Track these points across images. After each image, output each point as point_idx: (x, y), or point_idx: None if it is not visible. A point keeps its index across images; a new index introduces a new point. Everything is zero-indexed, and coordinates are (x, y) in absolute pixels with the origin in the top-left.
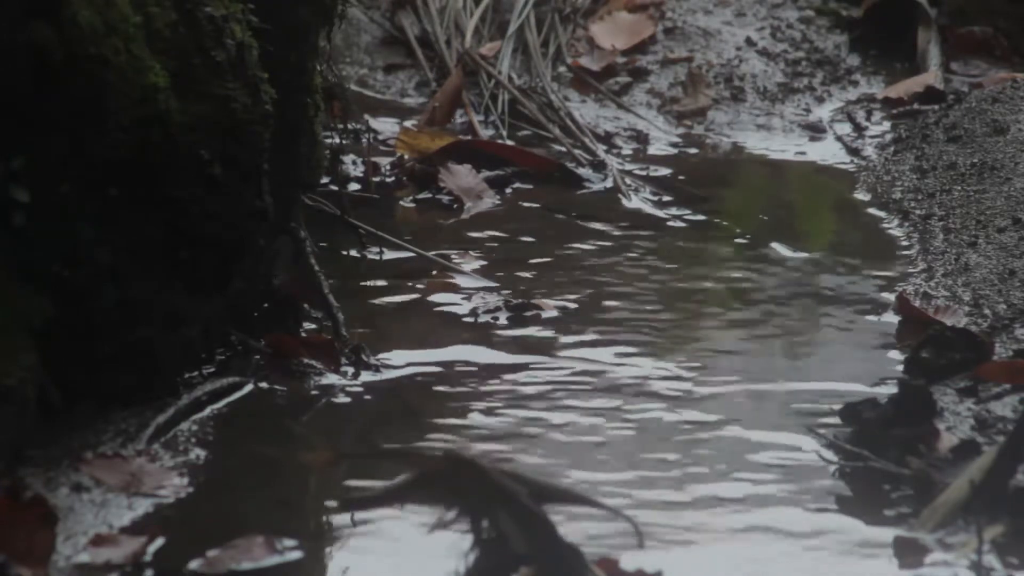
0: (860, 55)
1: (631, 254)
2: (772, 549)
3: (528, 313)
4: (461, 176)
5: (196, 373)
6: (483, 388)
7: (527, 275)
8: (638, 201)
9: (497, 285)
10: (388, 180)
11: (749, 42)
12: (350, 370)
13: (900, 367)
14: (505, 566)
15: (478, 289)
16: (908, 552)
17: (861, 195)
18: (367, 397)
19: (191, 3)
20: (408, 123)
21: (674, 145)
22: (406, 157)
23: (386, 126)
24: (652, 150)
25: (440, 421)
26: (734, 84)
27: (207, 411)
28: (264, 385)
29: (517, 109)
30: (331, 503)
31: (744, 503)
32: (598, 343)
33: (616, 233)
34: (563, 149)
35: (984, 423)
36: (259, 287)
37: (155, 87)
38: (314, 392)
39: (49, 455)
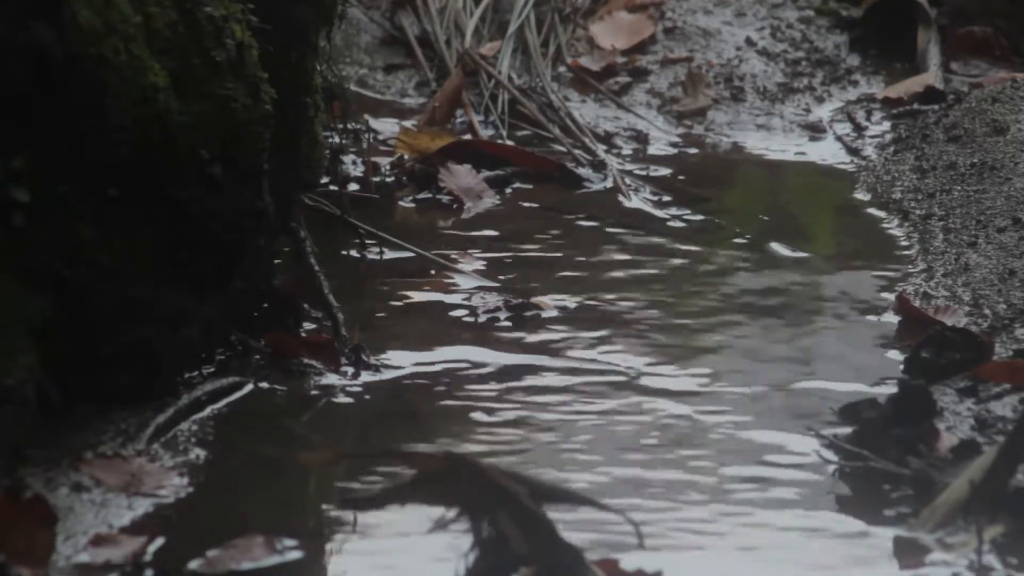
0: (860, 55)
1: (631, 254)
2: (772, 549)
3: (528, 313)
4: (461, 176)
5: (196, 373)
6: (483, 388)
7: (527, 275)
8: (638, 201)
9: (497, 285)
10: (388, 180)
11: (749, 42)
12: (350, 370)
13: (900, 367)
14: (505, 566)
15: (478, 289)
16: (908, 552)
17: (861, 195)
18: (367, 397)
19: (191, 3)
20: (408, 123)
21: (674, 145)
22: (406, 157)
23: (386, 126)
24: (652, 150)
25: (440, 421)
26: (734, 84)
27: (207, 411)
28: (264, 385)
29: (517, 109)
30: (331, 503)
31: (744, 503)
32: (598, 343)
33: (616, 233)
34: (563, 149)
35: (984, 423)
36: (259, 287)
37: (155, 87)
38: (314, 392)
39: (49, 455)
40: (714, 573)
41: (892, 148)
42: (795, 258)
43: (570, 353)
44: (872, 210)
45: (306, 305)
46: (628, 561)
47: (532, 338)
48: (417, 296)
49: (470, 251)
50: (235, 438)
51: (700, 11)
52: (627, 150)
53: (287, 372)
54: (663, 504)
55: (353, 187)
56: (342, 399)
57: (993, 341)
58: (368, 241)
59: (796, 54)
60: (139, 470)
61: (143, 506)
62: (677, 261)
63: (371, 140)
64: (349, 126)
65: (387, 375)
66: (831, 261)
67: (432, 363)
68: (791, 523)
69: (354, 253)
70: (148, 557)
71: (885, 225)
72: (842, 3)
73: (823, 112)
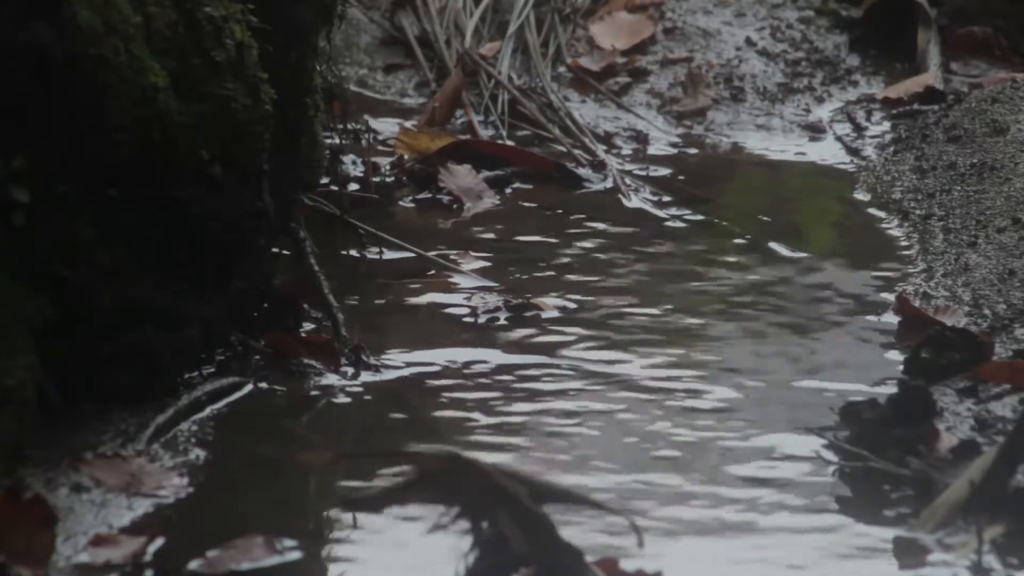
0: (860, 55)
1: (631, 254)
2: (772, 549)
3: (528, 313)
4: (461, 176)
5: (196, 373)
6: (483, 388)
7: (527, 275)
8: (638, 201)
9: (497, 285)
10: (388, 180)
11: (749, 42)
12: (350, 370)
13: (900, 367)
14: (505, 566)
15: (478, 289)
16: (908, 552)
17: (861, 195)
18: (367, 397)
19: (191, 3)
20: (408, 123)
21: (674, 145)
22: (406, 157)
23: (386, 126)
24: (652, 150)
25: (440, 421)
26: (734, 84)
27: (207, 411)
28: (264, 385)
29: (517, 109)
30: (331, 503)
31: (743, 503)
32: (598, 343)
33: (616, 233)
34: (563, 149)
35: (984, 423)
36: (259, 287)
37: (155, 87)
38: (314, 392)
39: (49, 455)
40: (713, 573)
41: (892, 148)
42: (795, 258)
43: (569, 353)
44: (872, 210)
45: (306, 305)
46: (628, 561)
47: (532, 338)
48: (417, 296)
49: (470, 251)
50: (235, 438)
51: (700, 11)
52: (627, 150)
53: (287, 372)
54: (663, 504)
55: (353, 187)
56: (342, 399)
57: (993, 341)
58: (368, 241)
59: (796, 54)
60: (139, 470)
61: (143, 506)
62: (677, 261)
63: (371, 140)
64: (349, 126)
65: (387, 375)
66: (831, 261)
67: (432, 363)
68: (790, 523)
69: (354, 253)
70: (148, 557)
71: (885, 225)
72: (842, 3)
73: (823, 112)
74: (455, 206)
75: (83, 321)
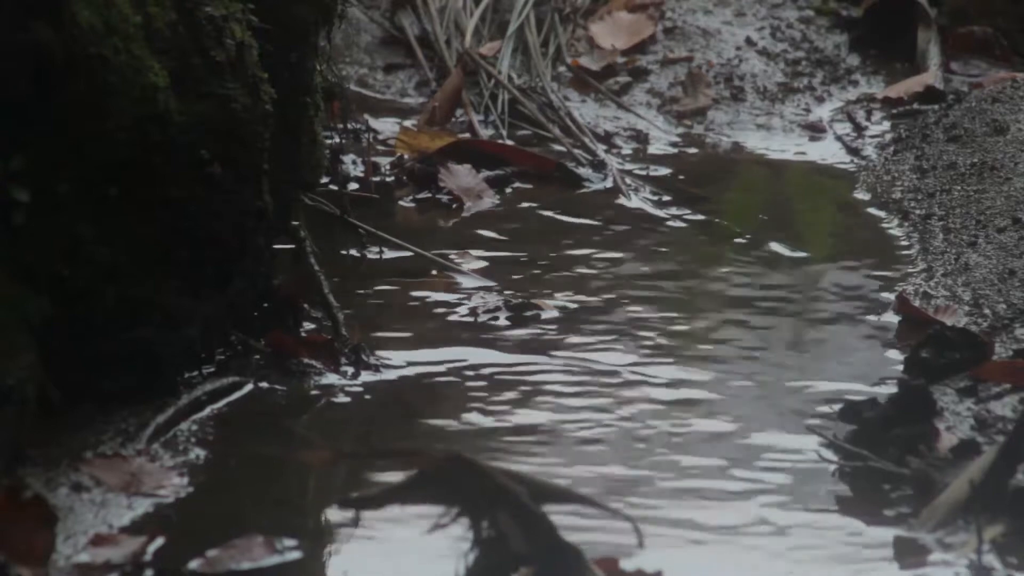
0: (860, 55)
1: (631, 254)
2: (772, 549)
3: (528, 313)
4: (461, 176)
5: (196, 373)
6: (482, 388)
7: (527, 275)
8: (638, 201)
9: (497, 285)
10: (388, 180)
11: (749, 42)
12: (350, 370)
13: (900, 367)
14: (505, 566)
15: (478, 289)
16: (908, 552)
17: (861, 195)
18: (367, 397)
19: (191, 3)
20: (408, 123)
21: (674, 145)
22: (406, 157)
23: (386, 126)
24: (652, 150)
25: (440, 421)
26: (734, 84)
27: (207, 411)
28: (264, 385)
29: (517, 109)
30: (331, 503)
31: (744, 503)
32: (598, 343)
33: (616, 233)
34: (563, 149)
35: (984, 423)
36: (259, 287)
37: (155, 87)
38: (314, 392)
39: (49, 455)
40: (713, 573)
41: (892, 148)
42: (795, 258)
43: (569, 353)
44: (872, 210)
45: (306, 305)
46: (628, 561)
47: (532, 338)
48: (417, 296)
49: (470, 251)
50: (235, 438)
51: (700, 11)
52: (627, 150)
53: (287, 372)
54: (663, 504)
55: (353, 187)
56: (342, 399)
57: (993, 341)
58: (368, 241)
59: (796, 54)
60: (139, 470)
61: (143, 506)
62: (676, 261)
63: (371, 140)
64: (349, 126)
65: (387, 375)
66: (831, 261)
67: (432, 363)
68: (790, 523)
69: (354, 253)
70: (148, 557)
71: (885, 225)
72: (842, 3)
73: (823, 112)
74: (455, 206)
75: (83, 321)
